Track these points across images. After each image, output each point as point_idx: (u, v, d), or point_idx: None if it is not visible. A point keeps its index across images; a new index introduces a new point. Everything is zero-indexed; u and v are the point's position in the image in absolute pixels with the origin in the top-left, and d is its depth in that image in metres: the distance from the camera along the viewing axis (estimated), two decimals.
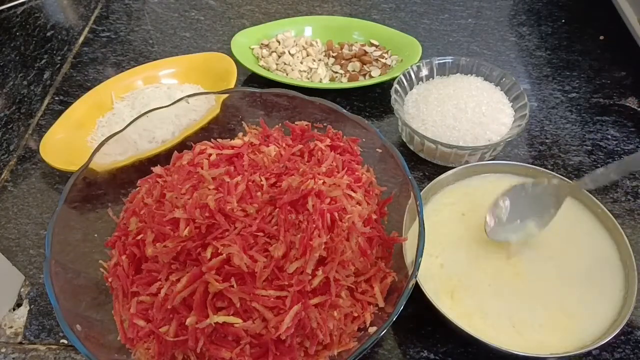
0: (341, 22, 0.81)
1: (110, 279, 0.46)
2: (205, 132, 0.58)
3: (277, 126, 0.56)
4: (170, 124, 0.60)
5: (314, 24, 0.80)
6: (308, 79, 0.73)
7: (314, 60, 0.75)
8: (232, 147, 0.52)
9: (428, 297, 0.46)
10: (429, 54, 0.78)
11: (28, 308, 0.52)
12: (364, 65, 0.74)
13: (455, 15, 0.87)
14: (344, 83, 0.72)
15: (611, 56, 0.78)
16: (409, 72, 0.67)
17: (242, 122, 0.57)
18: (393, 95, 0.63)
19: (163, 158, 0.54)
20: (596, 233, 0.52)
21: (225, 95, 0.57)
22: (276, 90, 0.55)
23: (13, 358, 0.49)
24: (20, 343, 0.50)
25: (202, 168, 0.49)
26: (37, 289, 0.54)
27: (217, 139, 0.54)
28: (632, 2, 0.76)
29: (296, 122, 0.54)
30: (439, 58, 0.68)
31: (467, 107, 0.62)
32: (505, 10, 0.88)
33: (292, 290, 0.40)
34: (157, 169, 0.52)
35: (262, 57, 0.76)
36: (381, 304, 0.44)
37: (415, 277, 0.41)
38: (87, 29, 0.86)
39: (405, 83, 0.66)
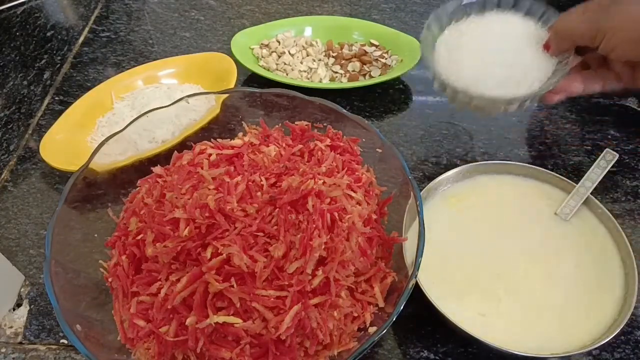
0: (341, 22, 0.81)
1: (110, 279, 0.46)
2: (205, 132, 0.58)
3: (277, 126, 0.56)
4: (170, 124, 0.60)
5: (314, 24, 0.80)
6: (308, 79, 0.73)
7: (314, 60, 0.75)
8: (232, 147, 0.52)
9: (428, 297, 0.46)
10: None
11: (28, 308, 0.52)
12: (364, 65, 0.74)
13: None
14: (344, 83, 0.72)
15: None
16: (440, 10, 0.58)
17: (242, 122, 0.57)
18: (424, 34, 0.56)
19: (163, 158, 0.54)
20: (596, 233, 0.52)
21: (225, 95, 0.57)
22: (276, 90, 0.55)
23: (13, 358, 0.49)
24: (20, 343, 0.50)
25: (202, 168, 0.49)
26: (37, 289, 0.54)
27: (217, 139, 0.54)
28: None
29: (296, 122, 0.54)
30: None
31: (504, 51, 0.54)
32: None
33: (292, 290, 0.40)
34: (157, 169, 0.52)
35: (262, 57, 0.76)
36: (381, 304, 0.44)
37: (415, 277, 0.41)
38: (87, 29, 0.86)
39: (439, 23, 0.58)
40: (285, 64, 0.74)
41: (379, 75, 0.72)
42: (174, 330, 0.41)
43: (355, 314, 0.44)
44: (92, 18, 0.88)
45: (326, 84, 0.73)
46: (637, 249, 0.51)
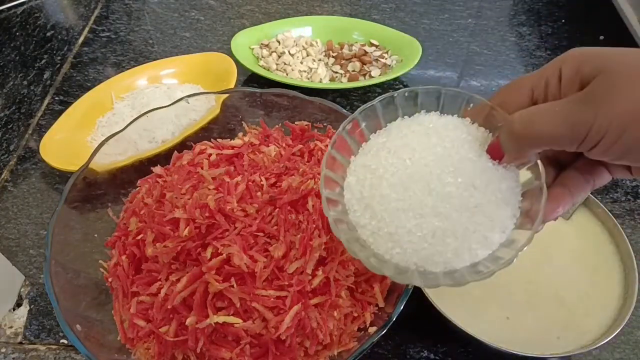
0: (341, 22, 0.81)
1: (110, 279, 0.46)
2: (205, 132, 0.58)
3: (277, 126, 0.56)
4: (170, 124, 0.60)
5: (314, 24, 0.80)
6: (308, 79, 0.73)
7: (314, 60, 0.75)
8: (232, 147, 0.52)
9: (428, 297, 0.46)
10: (429, 54, 0.78)
11: (28, 308, 0.52)
12: (364, 65, 0.74)
13: (455, 15, 0.87)
14: (344, 83, 0.72)
15: None
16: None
17: (242, 122, 0.57)
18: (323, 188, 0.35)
19: (163, 158, 0.54)
20: (596, 233, 0.52)
21: (225, 95, 0.57)
22: (276, 90, 0.55)
23: (13, 358, 0.49)
24: (20, 343, 0.50)
25: (202, 168, 0.49)
26: (37, 289, 0.54)
27: (217, 139, 0.54)
28: (632, 2, 0.76)
29: (296, 122, 0.54)
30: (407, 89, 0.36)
31: (445, 192, 0.32)
32: (505, 10, 0.88)
33: (292, 290, 0.40)
34: (157, 169, 0.52)
35: (262, 57, 0.76)
36: (381, 304, 0.44)
37: None
38: (87, 29, 0.86)
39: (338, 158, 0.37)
40: (285, 64, 0.74)
41: (379, 75, 0.72)
42: (174, 330, 0.41)
43: (355, 314, 0.44)
44: (92, 18, 0.88)
45: (326, 84, 0.73)
46: (637, 249, 0.51)
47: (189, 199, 0.44)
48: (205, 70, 0.72)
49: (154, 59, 0.76)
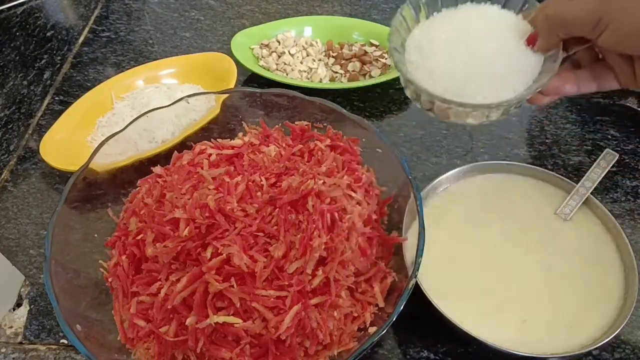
0: (341, 22, 0.81)
1: (110, 279, 0.46)
2: (205, 132, 0.58)
3: (277, 126, 0.56)
4: (170, 124, 0.60)
5: (314, 24, 0.80)
6: (308, 79, 0.73)
7: (314, 60, 0.75)
8: (232, 147, 0.52)
9: (428, 297, 0.46)
10: None
11: (28, 308, 0.52)
12: (364, 65, 0.74)
13: None
14: (344, 83, 0.72)
15: None
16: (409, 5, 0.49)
17: (242, 122, 0.57)
18: (391, 40, 0.47)
19: (163, 158, 0.54)
20: (596, 233, 0.52)
21: (225, 95, 0.57)
22: (276, 90, 0.55)
23: (13, 358, 0.49)
24: (20, 343, 0.50)
25: (202, 168, 0.49)
26: (37, 289, 0.54)
27: (217, 139, 0.54)
28: None
29: (296, 122, 0.54)
30: None
31: (482, 50, 0.46)
32: None
33: (292, 290, 0.40)
34: (157, 169, 0.52)
35: (262, 57, 0.76)
36: (381, 304, 0.44)
37: (415, 277, 0.41)
38: (87, 29, 0.86)
39: (407, 22, 0.49)
40: (285, 64, 0.74)
41: (379, 75, 0.72)
42: (174, 330, 0.41)
43: (355, 314, 0.44)
44: (92, 18, 0.88)
45: (326, 84, 0.73)
46: (637, 249, 0.51)
47: (189, 199, 0.44)
48: (205, 70, 0.72)
49: (154, 59, 0.76)
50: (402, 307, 0.40)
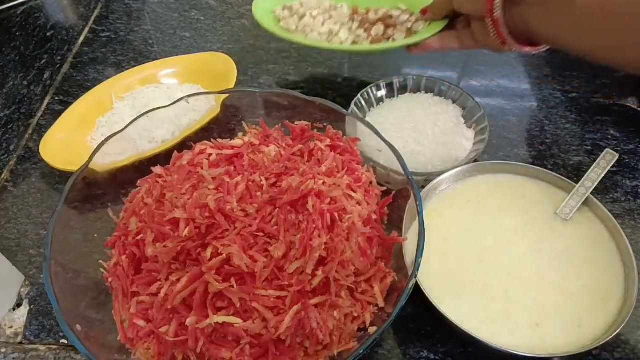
0: None
1: (110, 279, 0.46)
2: (205, 132, 0.58)
3: (277, 126, 0.56)
4: (170, 124, 0.60)
5: None
6: (328, 41, 0.69)
7: (336, 23, 0.71)
8: (232, 147, 0.52)
9: (428, 297, 0.46)
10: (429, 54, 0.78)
11: (28, 308, 0.52)
12: (387, 29, 0.69)
13: None
14: (364, 46, 0.68)
15: None
16: (367, 92, 0.66)
17: (242, 122, 0.57)
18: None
19: (163, 158, 0.54)
20: (596, 233, 0.52)
21: (225, 95, 0.57)
22: (276, 91, 0.55)
23: (13, 358, 0.49)
24: (20, 343, 0.50)
25: (202, 168, 0.49)
26: (37, 289, 0.54)
27: (217, 139, 0.54)
28: None
29: (296, 122, 0.54)
30: (399, 76, 0.68)
31: (425, 128, 0.61)
32: None
33: (292, 290, 0.40)
34: (157, 169, 0.52)
35: (283, 18, 0.72)
36: (381, 304, 0.44)
37: (415, 277, 0.41)
38: (87, 29, 0.86)
39: (364, 104, 0.65)
40: (305, 25, 0.70)
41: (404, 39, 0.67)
42: (174, 330, 0.41)
43: (355, 314, 0.44)
44: (92, 18, 0.88)
45: (344, 46, 0.69)
46: (637, 249, 0.51)
47: (189, 199, 0.44)
48: (205, 70, 0.72)
49: (154, 59, 0.76)
50: (402, 307, 0.40)
